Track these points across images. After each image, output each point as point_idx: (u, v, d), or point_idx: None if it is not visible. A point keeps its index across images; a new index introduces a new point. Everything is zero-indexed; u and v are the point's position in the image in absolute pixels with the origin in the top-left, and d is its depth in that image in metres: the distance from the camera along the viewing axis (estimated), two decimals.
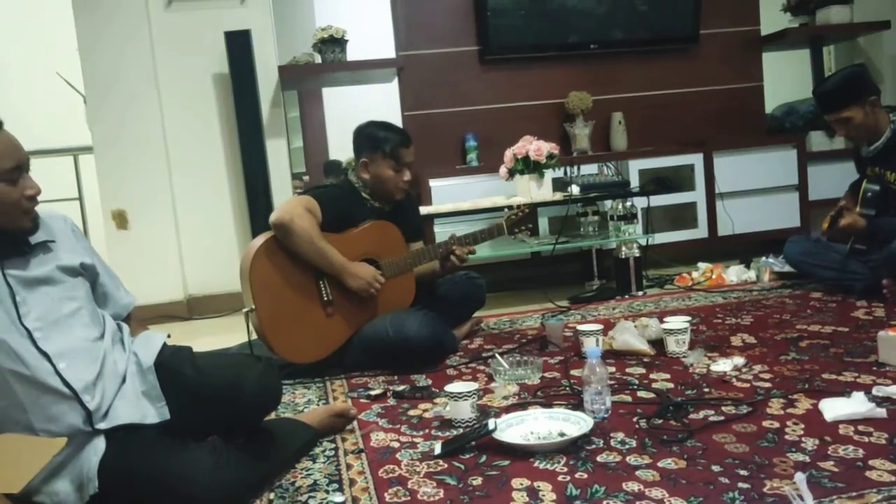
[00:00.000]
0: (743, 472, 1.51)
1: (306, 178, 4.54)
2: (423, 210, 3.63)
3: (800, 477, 1.30)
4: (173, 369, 1.59)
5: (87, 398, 1.45)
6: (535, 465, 1.63)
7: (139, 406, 1.53)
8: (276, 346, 2.48)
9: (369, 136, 2.73)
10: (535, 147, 3.58)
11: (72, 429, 1.44)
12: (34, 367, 1.43)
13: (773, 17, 4.88)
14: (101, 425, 1.47)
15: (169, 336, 1.72)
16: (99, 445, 1.47)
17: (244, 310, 2.49)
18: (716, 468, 1.54)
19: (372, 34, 4.42)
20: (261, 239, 2.52)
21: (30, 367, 1.42)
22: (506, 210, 2.85)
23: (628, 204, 3.72)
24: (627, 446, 1.70)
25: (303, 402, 2.31)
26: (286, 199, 2.62)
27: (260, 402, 1.67)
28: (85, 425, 1.45)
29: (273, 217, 2.49)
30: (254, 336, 2.54)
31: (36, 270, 1.51)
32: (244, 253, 2.55)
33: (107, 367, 1.52)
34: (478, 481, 1.58)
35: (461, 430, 1.88)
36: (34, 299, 1.48)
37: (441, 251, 2.74)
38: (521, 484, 1.55)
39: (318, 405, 2.25)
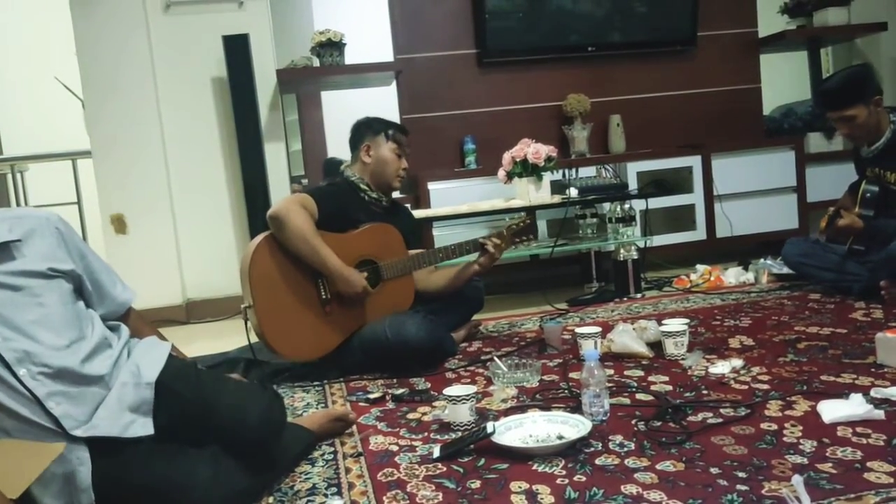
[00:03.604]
0: (741, 475, 1.51)
1: (305, 181, 4.54)
2: (422, 213, 3.64)
3: (797, 479, 1.30)
4: (175, 391, 1.55)
5: (50, 404, 1.39)
6: (534, 468, 1.63)
7: (122, 418, 1.46)
8: (274, 342, 2.48)
9: (372, 123, 2.85)
10: (534, 150, 3.59)
11: (44, 431, 1.40)
12: None
13: (770, 18, 4.89)
14: (77, 433, 1.41)
15: (172, 346, 1.70)
16: (81, 454, 1.42)
17: (243, 305, 2.50)
18: (714, 470, 1.54)
19: (370, 38, 4.42)
20: (262, 236, 2.54)
21: None
22: (507, 219, 2.86)
23: (626, 206, 3.73)
24: (626, 449, 1.70)
25: (302, 406, 2.31)
26: (283, 197, 2.63)
27: (261, 437, 1.63)
28: (57, 429, 1.40)
29: (269, 211, 2.51)
30: (254, 338, 2.54)
31: None
32: (245, 249, 2.57)
33: (82, 375, 1.45)
34: (476, 484, 1.58)
35: (460, 434, 1.88)
36: None
37: (468, 248, 2.75)
38: (520, 487, 1.55)
39: (316, 409, 2.25)
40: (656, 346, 2.48)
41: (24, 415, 1.39)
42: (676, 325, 2.47)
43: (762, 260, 3.71)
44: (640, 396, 2.07)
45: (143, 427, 1.49)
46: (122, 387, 1.50)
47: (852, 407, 1.77)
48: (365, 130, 2.84)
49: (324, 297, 2.56)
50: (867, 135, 3.02)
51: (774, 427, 1.75)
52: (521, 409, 2.03)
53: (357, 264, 2.61)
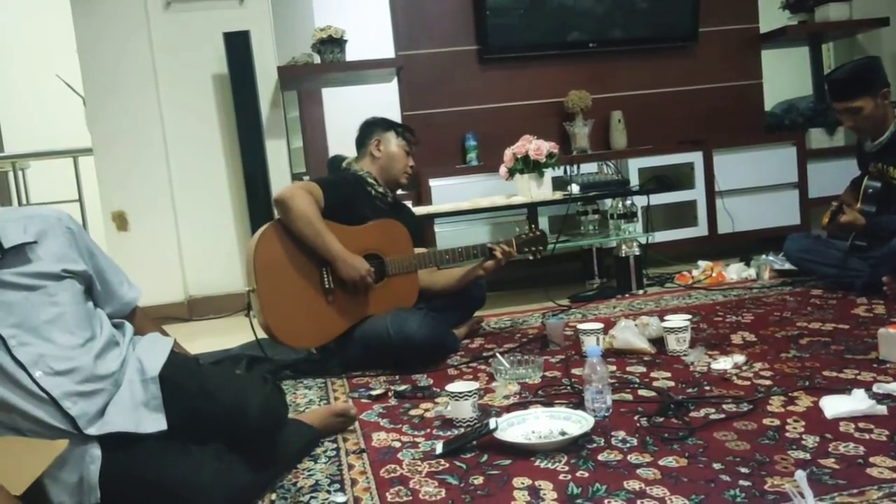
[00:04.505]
0: (744, 470, 1.51)
1: (306, 178, 4.54)
2: (423, 210, 3.64)
3: (800, 475, 1.30)
4: (177, 384, 1.55)
5: (67, 404, 1.40)
6: (537, 464, 1.64)
7: (134, 414, 1.48)
8: (274, 327, 2.49)
9: (382, 120, 2.92)
10: (535, 146, 3.58)
11: (58, 432, 1.40)
12: (10, 375, 1.38)
13: (772, 14, 4.88)
14: (91, 431, 1.42)
15: (175, 342, 1.70)
16: (94, 452, 1.43)
17: (246, 289, 2.52)
18: (717, 466, 1.55)
19: (371, 34, 4.42)
20: (270, 222, 2.57)
21: (6, 373, 1.38)
22: (516, 229, 2.89)
23: (628, 202, 3.73)
24: (628, 445, 1.70)
25: (304, 403, 2.31)
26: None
27: (263, 427, 1.63)
28: (72, 429, 1.41)
29: (275, 195, 2.56)
30: (260, 334, 2.55)
31: (11, 276, 1.44)
32: (252, 237, 2.59)
33: (95, 373, 1.46)
34: (479, 480, 1.58)
35: (462, 430, 1.88)
36: (9, 305, 1.42)
37: (475, 252, 2.76)
38: (523, 483, 1.55)
39: (319, 405, 2.26)
40: (658, 342, 2.48)
41: (39, 417, 1.39)
42: (678, 321, 2.47)
43: (764, 256, 3.71)
44: (642, 392, 2.07)
45: (157, 423, 1.50)
46: (129, 384, 1.51)
47: (855, 402, 1.77)
48: (374, 127, 2.89)
49: (327, 286, 2.57)
50: (872, 128, 3.01)
51: (777, 423, 1.75)
52: (523, 405, 2.04)
53: (363, 258, 2.62)
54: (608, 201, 3.81)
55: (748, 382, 2.07)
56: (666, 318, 2.55)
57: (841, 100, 2.99)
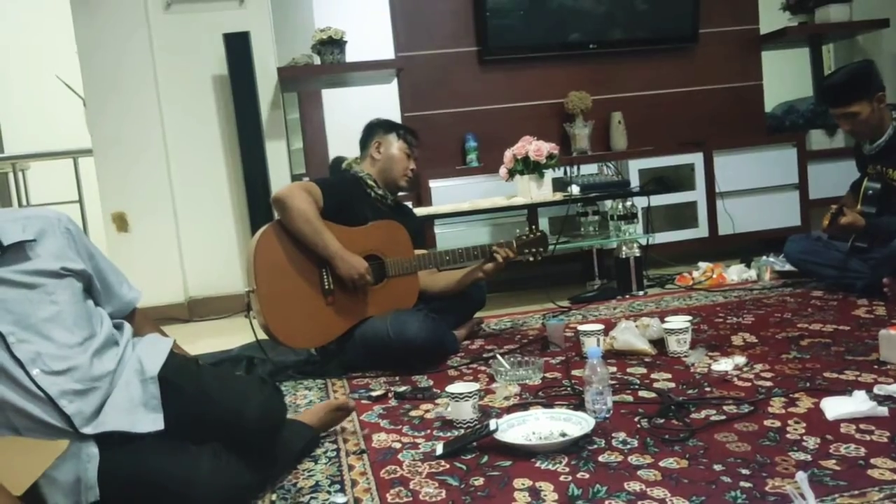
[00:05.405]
0: (745, 472, 1.51)
1: (306, 178, 4.54)
2: (423, 211, 3.64)
3: (801, 476, 1.30)
4: (176, 385, 1.55)
5: (63, 402, 1.40)
6: (537, 465, 1.63)
7: (131, 414, 1.47)
8: (273, 328, 2.49)
9: (385, 122, 2.93)
10: (535, 147, 3.58)
11: (54, 430, 1.40)
12: (8, 372, 1.38)
13: (772, 15, 4.88)
14: (87, 430, 1.43)
15: (174, 342, 1.70)
16: (91, 451, 1.43)
17: (245, 289, 2.53)
18: (717, 467, 1.54)
19: (371, 35, 4.42)
20: (270, 223, 2.57)
21: (3, 371, 1.38)
22: (516, 232, 2.88)
23: (628, 204, 3.73)
24: (629, 446, 1.70)
25: (304, 403, 2.31)
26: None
27: (261, 430, 1.63)
28: (68, 427, 1.41)
29: (273, 194, 2.56)
30: (261, 335, 2.55)
31: (10, 273, 1.45)
32: (252, 238, 2.59)
33: (91, 372, 1.46)
34: (479, 482, 1.58)
35: (463, 431, 1.88)
36: (8, 303, 1.42)
37: (475, 253, 2.76)
38: (523, 484, 1.55)
39: None
40: (659, 343, 2.48)
41: (35, 415, 1.39)
42: (679, 322, 2.47)
43: (764, 257, 3.71)
44: (642, 394, 2.07)
45: (154, 423, 1.49)
46: (127, 384, 1.51)
47: (855, 404, 1.77)
48: (376, 129, 2.89)
49: (327, 287, 2.57)
50: (870, 131, 3.01)
51: (778, 424, 1.75)
52: (523, 406, 2.03)
53: (362, 257, 2.62)
54: (608, 202, 3.81)
55: (749, 384, 2.06)
56: (666, 319, 2.55)
57: (837, 105, 2.99)
